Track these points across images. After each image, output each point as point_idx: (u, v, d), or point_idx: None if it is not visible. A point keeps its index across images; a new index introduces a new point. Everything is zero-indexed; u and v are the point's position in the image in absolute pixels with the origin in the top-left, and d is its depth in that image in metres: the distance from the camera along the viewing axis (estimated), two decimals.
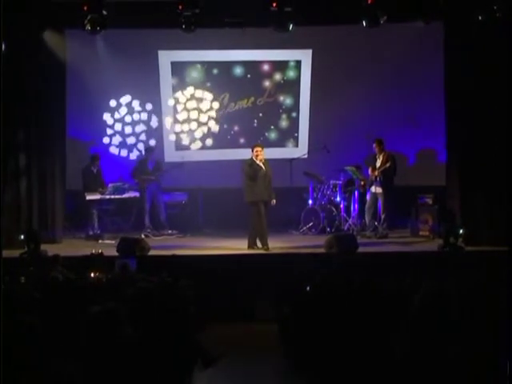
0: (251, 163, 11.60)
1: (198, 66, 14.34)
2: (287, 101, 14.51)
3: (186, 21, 11.45)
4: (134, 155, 14.08)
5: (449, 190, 12.81)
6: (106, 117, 13.98)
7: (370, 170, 13.09)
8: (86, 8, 11.34)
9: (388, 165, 12.75)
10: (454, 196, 12.54)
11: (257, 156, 11.59)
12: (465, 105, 12.25)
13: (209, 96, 14.21)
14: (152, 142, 13.98)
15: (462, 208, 12.31)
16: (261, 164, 11.56)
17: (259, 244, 11.58)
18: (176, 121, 14.34)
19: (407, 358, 5.11)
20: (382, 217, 12.90)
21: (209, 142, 14.48)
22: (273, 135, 14.54)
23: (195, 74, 14.34)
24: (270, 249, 11.47)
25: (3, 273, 7.67)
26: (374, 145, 13.02)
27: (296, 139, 14.48)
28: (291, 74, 14.43)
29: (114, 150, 14.14)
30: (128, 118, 14.05)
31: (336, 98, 13.83)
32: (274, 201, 11.74)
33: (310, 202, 13.76)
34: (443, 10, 11.85)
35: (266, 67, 14.39)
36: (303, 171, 13.45)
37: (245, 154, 14.21)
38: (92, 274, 8.15)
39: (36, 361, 4.51)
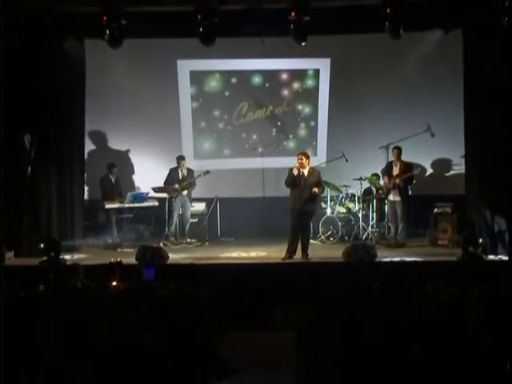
0: (290, 170, 11.57)
1: (217, 75, 14.38)
2: (306, 110, 14.51)
3: (204, 31, 11.50)
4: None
5: (468, 199, 12.75)
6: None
7: (386, 179, 13.07)
8: (105, 18, 11.41)
9: (413, 173, 12.75)
10: (473, 205, 12.48)
11: (300, 164, 11.52)
12: (483, 114, 12.20)
13: (227, 105, 14.30)
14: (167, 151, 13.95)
15: (481, 217, 12.24)
16: (300, 172, 11.45)
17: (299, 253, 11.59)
18: (195, 130, 14.39)
19: (427, 367, 5.09)
20: (400, 226, 12.87)
21: (227, 151, 14.53)
22: (291, 144, 14.55)
23: (214, 83, 14.39)
24: (287, 258, 11.47)
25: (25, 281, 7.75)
26: (393, 152, 13.01)
27: (314, 148, 14.45)
28: (309, 82, 14.43)
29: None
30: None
31: (354, 107, 13.85)
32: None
33: (329, 210, 13.74)
34: (462, 19, 11.84)
35: (284, 76, 14.41)
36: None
37: (263, 162, 14.29)
38: (111, 283, 8.19)
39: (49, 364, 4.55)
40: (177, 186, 13.49)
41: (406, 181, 12.84)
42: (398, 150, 12.99)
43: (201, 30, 11.46)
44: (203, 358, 6.02)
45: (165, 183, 13.55)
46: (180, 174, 13.63)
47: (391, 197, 12.96)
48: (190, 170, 13.72)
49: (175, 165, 13.69)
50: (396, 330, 5.84)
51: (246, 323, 9.82)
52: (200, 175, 13.61)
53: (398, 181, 12.81)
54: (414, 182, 13.16)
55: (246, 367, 7.52)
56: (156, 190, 13.51)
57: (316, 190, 11.42)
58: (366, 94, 13.75)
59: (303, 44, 11.91)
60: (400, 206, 12.83)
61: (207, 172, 13.60)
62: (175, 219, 13.49)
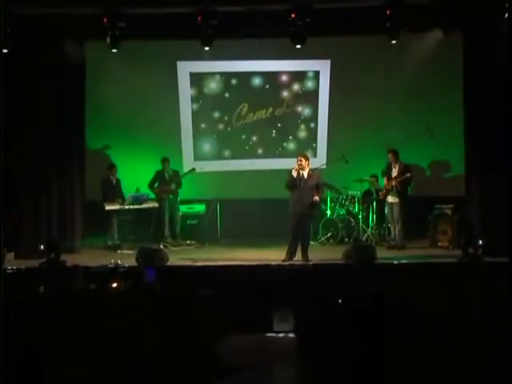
0: (289, 173, 11.56)
1: (217, 76, 14.39)
2: (306, 111, 14.51)
3: (204, 33, 11.52)
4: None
5: (468, 200, 12.75)
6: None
7: (385, 180, 13.08)
8: (105, 20, 11.43)
9: (409, 175, 12.74)
10: (473, 206, 12.48)
11: (299, 166, 11.49)
12: (483, 115, 12.20)
13: (227, 107, 14.32)
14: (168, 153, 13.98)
15: (481, 218, 12.24)
16: (300, 174, 11.42)
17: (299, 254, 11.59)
18: (195, 131, 14.40)
19: (428, 367, 5.10)
20: (397, 227, 12.86)
21: (227, 152, 14.53)
22: (291, 145, 14.54)
23: (214, 84, 14.40)
24: (287, 259, 11.46)
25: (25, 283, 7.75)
26: (390, 155, 13.00)
27: (314, 150, 14.45)
28: (309, 84, 14.43)
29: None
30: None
31: (354, 109, 13.84)
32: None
33: (328, 212, 13.74)
34: (462, 20, 11.84)
35: (284, 78, 14.40)
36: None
37: (263, 164, 14.28)
38: (111, 284, 8.18)
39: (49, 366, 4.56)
40: (170, 186, 13.57)
41: (403, 182, 12.83)
42: (394, 153, 12.98)
43: (201, 31, 11.48)
44: (203, 360, 6.02)
45: (149, 186, 13.59)
46: (166, 175, 13.67)
47: (390, 198, 12.96)
48: (175, 171, 13.77)
49: (174, 166, 13.80)
50: (396, 331, 5.84)
51: (246, 325, 9.81)
52: (186, 173, 13.76)
53: (394, 182, 12.82)
54: (413, 183, 13.15)
55: (246, 369, 7.50)
56: (153, 191, 13.57)
57: (317, 198, 11.42)
58: (366, 95, 13.75)
59: (303, 45, 11.95)
60: (397, 207, 12.84)
61: (193, 170, 13.68)
62: (166, 220, 13.54)
